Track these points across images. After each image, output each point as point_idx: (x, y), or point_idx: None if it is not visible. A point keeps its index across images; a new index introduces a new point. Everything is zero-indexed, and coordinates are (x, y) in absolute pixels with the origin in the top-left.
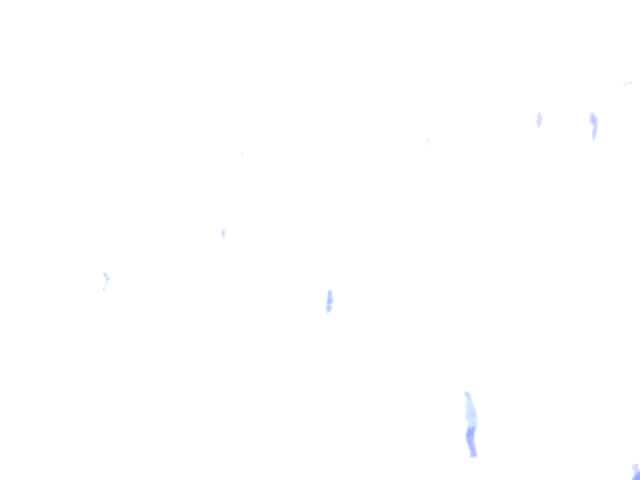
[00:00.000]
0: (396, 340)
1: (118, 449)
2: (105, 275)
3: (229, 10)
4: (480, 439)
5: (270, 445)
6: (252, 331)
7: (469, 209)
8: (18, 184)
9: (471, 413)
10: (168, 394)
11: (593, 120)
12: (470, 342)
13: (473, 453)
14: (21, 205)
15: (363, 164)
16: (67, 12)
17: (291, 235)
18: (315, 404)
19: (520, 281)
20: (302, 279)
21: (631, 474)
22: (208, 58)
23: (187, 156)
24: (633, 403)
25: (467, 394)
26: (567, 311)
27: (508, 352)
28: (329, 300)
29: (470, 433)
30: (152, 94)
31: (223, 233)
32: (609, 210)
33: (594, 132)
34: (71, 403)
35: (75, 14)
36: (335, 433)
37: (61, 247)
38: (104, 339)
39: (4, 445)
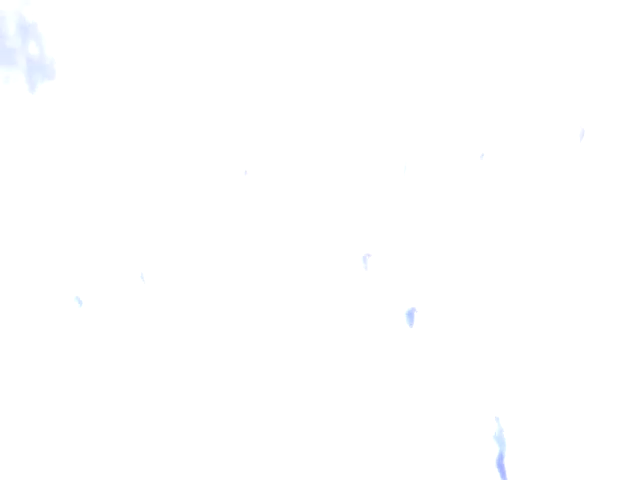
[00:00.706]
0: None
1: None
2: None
3: (231, 27)
4: (510, 464)
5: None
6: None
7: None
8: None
9: (501, 437)
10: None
11: None
12: (499, 364)
13: (504, 478)
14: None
15: (375, 187)
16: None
17: (296, 255)
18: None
19: (556, 293)
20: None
21: None
22: (211, 75)
23: (190, 174)
24: None
25: (497, 419)
26: (601, 334)
27: (536, 374)
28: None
29: (501, 458)
30: (156, 110)
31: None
32: None
33: None
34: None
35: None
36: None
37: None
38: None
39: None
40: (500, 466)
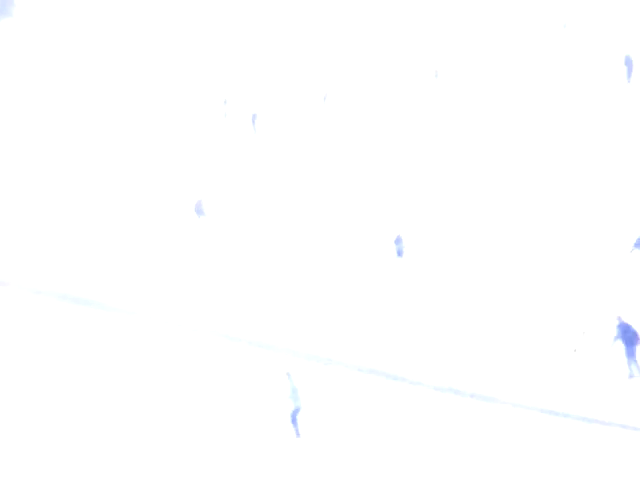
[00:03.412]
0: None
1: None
2: None
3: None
4: (304, 420)
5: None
6: None
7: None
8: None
9: (294, 394)
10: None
11: (628, 62)
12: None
13: (297, 434)
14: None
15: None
16: None
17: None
18: None
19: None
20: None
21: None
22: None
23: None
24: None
25: (289, 375)
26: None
27: (330, 329)
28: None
29: (295, 414)
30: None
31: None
32: None
33: (629, 73)
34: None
35: None
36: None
37: None
38: None
39: None
40: (294, 421)
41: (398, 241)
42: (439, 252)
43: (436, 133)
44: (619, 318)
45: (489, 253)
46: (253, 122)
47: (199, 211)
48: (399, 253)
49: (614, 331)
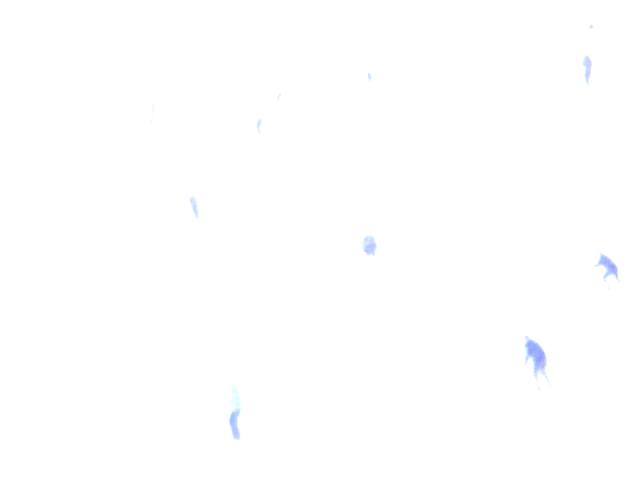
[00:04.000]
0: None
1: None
2: None
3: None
4: (243, 422)
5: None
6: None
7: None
8: None
9: (235, 396)
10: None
11: (587, 62)
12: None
13: (236, 435)
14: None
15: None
16: None
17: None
18: None
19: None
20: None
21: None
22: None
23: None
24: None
25: (230, 377)
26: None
27: (274, 334)
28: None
29: (234, 417)
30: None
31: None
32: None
33: (587, 74)
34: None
35: None
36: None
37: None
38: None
39: None
40: (233, 423)
41: (368, 239)
42: (409, 249)
43: (409, 131)
44: (526, 337)
45: (455, 249)
46: (258, 126)
47: (195, 211)
48: (369, 250)
49: (523, 350)
